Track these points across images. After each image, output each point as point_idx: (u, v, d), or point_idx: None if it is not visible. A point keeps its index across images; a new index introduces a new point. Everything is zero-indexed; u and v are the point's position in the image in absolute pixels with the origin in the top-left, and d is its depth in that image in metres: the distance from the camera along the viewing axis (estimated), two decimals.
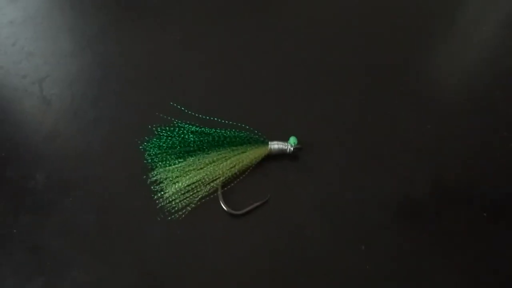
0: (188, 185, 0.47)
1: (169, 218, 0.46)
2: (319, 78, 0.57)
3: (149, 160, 0.48)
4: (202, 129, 0.50)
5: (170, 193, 0.46)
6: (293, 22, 0.63)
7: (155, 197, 0.47)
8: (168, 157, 0.48)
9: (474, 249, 0.46)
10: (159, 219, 0.46)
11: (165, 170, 0.47)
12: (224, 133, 0.49)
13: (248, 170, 0.49)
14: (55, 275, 0.44)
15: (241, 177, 0.48)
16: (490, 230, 0.47)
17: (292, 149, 0.49)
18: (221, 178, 0.47)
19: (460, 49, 0.62)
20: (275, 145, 0.49)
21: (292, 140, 0.49)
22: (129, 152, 0.50)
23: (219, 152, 0.48)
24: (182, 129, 0.50)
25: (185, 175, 0.47)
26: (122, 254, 0.45)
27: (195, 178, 0.47)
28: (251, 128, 0.50)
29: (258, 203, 0.47)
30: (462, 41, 0.63)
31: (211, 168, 0.47)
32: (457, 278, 0.44)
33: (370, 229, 0.47)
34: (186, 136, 0.49)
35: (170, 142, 0.48)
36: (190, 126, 0.50)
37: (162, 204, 0.46)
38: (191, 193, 0.47)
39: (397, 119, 0.54)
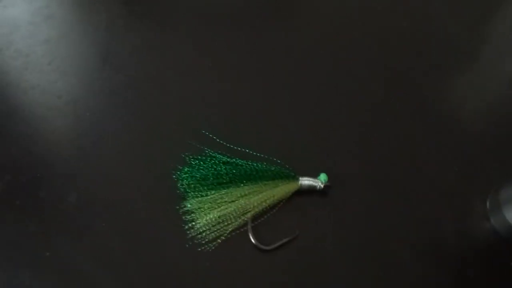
0: (219, 217, 0.47)
1: (199, 249, 0.47)
2: (349, 113, 0.58)
3: (182, 190, 0.49)
4: (234, 160, 0.51)
5: (201, 224, 0.47)
6: (325, 54, 0.64)
7: (186, 227, 0.47)
8: (201, 187, 0.49)
9: None
10: (187, 245, 0.46)
11: (197, 201, 0.48)
12: (256, 166, 0.50)
13: (279, 205, 0.49)
14: None
15: (271, 212, 0.49)
16: None
17: (322, 186, 0.49)
18: (252, 212, 0.48)
19: (487, 84, 0.62)
20: (305, 181, 0.50)
21: (323, 177, 0.50)
22: (161, 179, 0.51)
23: (250, 186, 0.49)
24: (214, 159, 0.51)
25: (216, 206, 0.48)
26: (150, 282, 0.46)
27: (227, 210, 0.47)
28: (282, 163, 0.51)
29: (287, 239, 0.47)
30: (489, 75, 0.63)
31: (242, 201, 0.48)
32: None
33: (393, 269, 0.48)
34: (219, 167, 0.49)
35: (203, 173, 0.49)
36: (222, 157, 0.51)
37: (193, 234, 0.47)
38: (221, 225, 0.47)
39: (425, 157, 0.55)
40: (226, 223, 0.47)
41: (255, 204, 0.48)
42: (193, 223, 0.47)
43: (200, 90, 0.59)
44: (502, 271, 0.48)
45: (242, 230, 0.48)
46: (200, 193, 0.48)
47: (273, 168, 0.50)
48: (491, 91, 0.62)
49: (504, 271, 0.48)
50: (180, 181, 0.49)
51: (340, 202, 0.51)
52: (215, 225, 0.47)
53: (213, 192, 0.48)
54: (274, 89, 0.60)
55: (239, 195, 0.48)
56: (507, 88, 0.64)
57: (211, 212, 0.47)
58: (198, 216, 0.48)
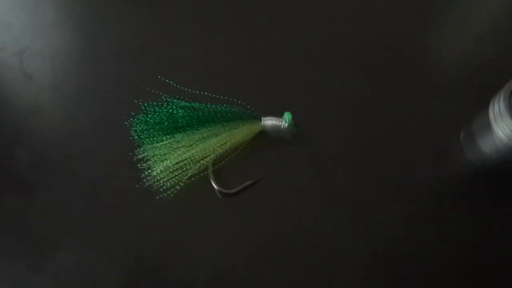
0: (177, 163, 0.44)
1: (157, 197, 0.44)
2: (317, 53, 0.54)
3: (136, 137, 0.46)
4: (192, 104, 0.47)
5: (158, 171, 0.44)
6: (303, 13, 0.59)
7: (143, 175, 0.45)
8: (156, 133, 0.46)
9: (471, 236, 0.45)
10: (144, 194, 0.44)
11: (152, 147, 0.45)
12: (215, 108, 0.47)
13: (240, 147, 0.46)
14: (41, 256, 0.43)
15: (232, 155, 0.46)
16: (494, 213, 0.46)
17: (286, 125, 0.46)
18: (212, 156, 0.45)
19: (462, 21, 0.59)
20: (268, 121, 0.46)
21: (287, 116, 0.46)
22: (114, 128, 0.48)
23: (209, 129, 0.46)
24: (170, 104, 0.47)
25: (173, 152, 0.45)
26: (109, 234, 0.44)
27: (185, 155, 0.44)
28: (244, 103, 0.48)
29: (250, 182, 0.45)
30: (465, 13, 0.60)
31: (201, 145, 0.45)
32: (454, 268, 0.43)
33: (367, 209, 0.45)
34: (175, 112, 0.46)
35: (158, 118, 0.46)
36: (179, 101, 0.48)
37: (150, 182, 0.44)
38: (180, 171, 0.44)
39: (398, 95, 0.52)
40: (185, 169, 0.44)
41: (215, 147, 0.45)
42: (150, 171, 0.44)
43: (157, 36, 0.55)
44: (476, 201, 0.46)
45: (202, 175, 0.45)
46: (155, 139, 0.45)
47: (233, 109, 0.47)
48: (465, 26, 0.59)
49: (478, 200, 0.46)
50: (134, 128, 0.46)
51: (307, 143, 0.48)
52: (173, 171, 0.44)
53: (169, 137, 0.45)
54: (236, 30, 0.56)
55: (197, 139, 0.45)
56: (482, 23, 0.60)
57: (168, 158, 0.44)
58: (154, 163, 0.45)
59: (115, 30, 0.55)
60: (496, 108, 0.43)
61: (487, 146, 0.45)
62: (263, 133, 0.48)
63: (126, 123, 0.47)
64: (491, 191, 0.47)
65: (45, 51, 0.54)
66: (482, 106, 0.45)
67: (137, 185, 0.44)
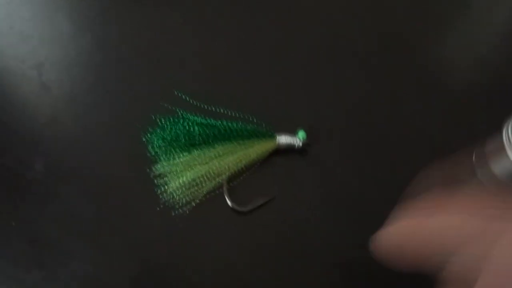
0: (193, 180, 0.45)
1: (173, 214, 0.45)
2: (329, 69, 0.55)
3: (153, 153, 0.47)
4: (208, 120, 0.48)
5: (174, 187, 0.45)
6: (303, 13, 0.60)
7: (158, 191, 0.45)
8: (173, 149, 0.46)
9: None
10: (160, 210, 0.45)
11: (168, 164, 0.46)
12: (231, 125, 0.47)
13: (255, 165, 0.47)
14: (55, 265, 0.43)
15: (247, 172, 0.47)
16: None
17: (301, 144, 0.47)
18: (227, 173, 0.46)
19: (476, 38, 0.59)
20: (283, 139, 0.47)
21: (301, 134, 0.47)
22: (131, 141, 0.48)
23: (225, 146, 0.46)
24: (187, 120, 0.48)
25: (190, 169, 0.46)
26: (123, 245, 0.44)
27: (200, 172, 0.45)
28: (258, 121, 0.49)
29: (264, 200, 0.46)
30: (479, 29, 0.60)
31: (216, 162, 0.46)
32: None
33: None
34: (192, 129, 0.47)
35: (175, 134, 0.46)
36: (195, 117, 0.48)
37: (166, 198, 0.45)
38: (195, 188, 0.45)
39: (407, 112, 0.52)
40: (200, 186, 0.45)
41: (230, 165, 0.45)
42: (166, 187, 0.45)
43: (173, 50, 0.56)
44: None
45: (217, 192, 0.46)
46: (172, 155, 0.46)
47: (249, 127, 0.47)
48: (479, 44, 0.59)
49: None
50: (151, 144, 0.47)
51: (320, 160, 0.49)
52: (188, 188, 0.45)
53: (185, 154, 0.46)
54: (250, 47, 0.57)
55: (213, 156, 0.46)
56: (496, 41, 0.60)
57: (184, 175, 0.45)
58: (170, 180, 0.45)
59: (132, 43, 0.56)
60: (510, 131, 0.43)
61: (499, 169, 0.45)
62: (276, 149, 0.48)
63: (143, 138, 0.48)
64: None
65: (63, 62, 0.54)
66: (497, 126, 0.45)
67: (152, 200, 0.45)
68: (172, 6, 0.59)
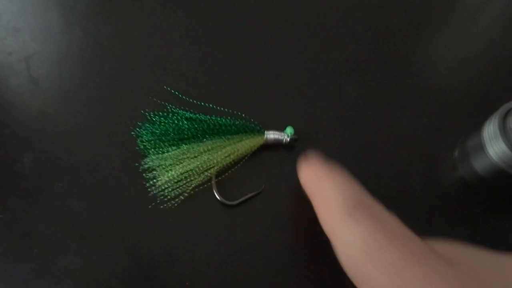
0: (182, 174, 0.46)
1: (161, 206, 0.45)
2: (317, 68, 0.56)
3: (142, 147, 0.47)
4: (197, 115, 0.49)
5: (163, 181, 0.45)
6: (293, 10, 0.61)
7: (147, 184, 0.46)
8: (162, 144, 0.47)
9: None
10: (150, 206, 0.45)
11: (158, 158, 0.46)
12: (220, 120, 0.48)
13: (244, 160, 0.48)
14: (45, 260, 0.44)
15: (236, 167, 0.47)
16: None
17: (288, 139, 0.48)
18: (216, 167, 0.46)
19: (458, 41, 0.61)
20: (271, 135, 0.48)
21: (289, 130, 0.48)
22: (121, 136, 0.49)
23: (214, 141, 0.47)
24: (176, 115, 0.49)
25: (178, 163, 0.46)
26: (113, 240, 0.45)
27: (189, 166, 0.46)
28: (247, 117, 0.49)
29: (252, 194, 0.46)
30: (461, 33, 0.62)
31: (205, 156, 0.46)
32: None
33: None
34: (180, 123, 0.47)
35: (164, 129, 0.47)
36: (185, 113, 0.49)
37: (155, 192, 0.46)
38: (184, 182, 0.46)
39: (393, 111, 0.54)
40: (189, 180, 0.46)
41: (219, 159, 0.46)
42: (155, 181, 0.46)
43: (164, 46, 0.56)
44: (467, 218, 0.48)
45: (206, 186, 0.46)
46: (161, 149, 0.47)
47: (237, 122, 0.48)
48: (461, 46, 0.60)
49: (470, 218, 0.48)
50: (140, 138, 0.47)
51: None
52: (177, 181, 0.46)
53: (174, 148, 0.47)
54: (240, 43, 0.57)
55: (201, 151, 0.47)
56: (478, 43, 0.62)
57: (173, 169, 0.46)
58: (159, 173, 0.46)
59: (123, 38, 0.56)
60: (491, 129, 0.45)
61: (479, 164, 0.47)
62: (264, 144, 0.49)
63: (132, 133, 0.48)
64: (482, 205, 0.49)
65: (53, 56, 0.54)
66: (478, 125, 0.47)
67: (142, 194, 0.46)
68: (163, 2, 0.60)
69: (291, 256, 0.45)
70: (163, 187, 0.45)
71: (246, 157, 0.48)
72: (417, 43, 0.59)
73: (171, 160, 0.46)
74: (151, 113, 0.49)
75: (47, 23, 0.56)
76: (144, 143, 0.47)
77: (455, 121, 0.53)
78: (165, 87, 0.51)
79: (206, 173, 0.46)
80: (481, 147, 0.45)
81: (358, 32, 0.59)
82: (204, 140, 0.47)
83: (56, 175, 0.47)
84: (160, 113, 0.49)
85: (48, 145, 0.49)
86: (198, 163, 0.46)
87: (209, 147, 0.47)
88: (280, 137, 0.48)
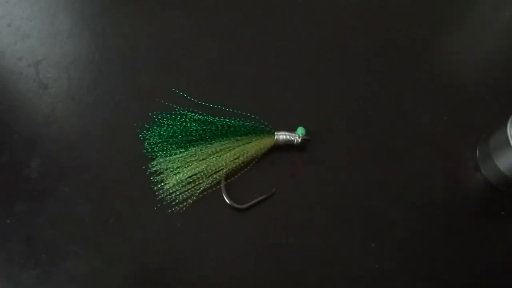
0: (190, 177, 0.44)
1: (169, 210, 0.44)
2: (329, 64, 0.54)
3: (149, 149, 0.46)
4: (205, 117, 0.47)
5: (171, 184, 0.44)
6: (303, 8, 0.59)
7: (155, 188, 0.45)
8: (169, 146, 0.46)
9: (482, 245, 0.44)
10: (157, 207, 0.44)
11: (165, 160, 0.45)
12: (228, 122, 0.47)
13: (253, 162, 0.46)
14: (50, 265, 0.43)
15: (245, 169, 0.46)
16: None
17: (300, 140, 0.46)
18: (225, 170, 0.45)
19: (480, 36, 0.58)
20: (282, 136, 0.46)
21: (300, 130, 0.46)
22: (128, 139, 0.48)
23: (222, 142, 0.46)
24: (184, 117, 0.47)
25: (186, 166, 0.45)
26: (119, 244, 0.44)
27: (197, 169, 0.44)
28: (257, 118, 0.48)
29: (263, 197, 0.45)
30: (482, 27, 0.59)
31: (214, 159, 0.45)
32: (469, 276, 0.42)
33: (380, 225, 0.45)
34: (188, 125, 0.46)
35: (171, 131, 0.46)
36: (193, 114, 0.48)
37: (162, 195, 0.44)
38: (192, 185, 0.44)
39: (410, 109, 0.51)
40: (197, 183, 0.44)
41: (228, 161, 0.45)
42: (163, 184, 0.45)
43: (171, 48, 0.55)
44: (492, 220, 0.46)
45: (215, 189, 0.45)
46: (169, 152, 0.45)
47: (246, 123, 0.47)
48: (482, 41, 0.58)
49: (494, 219, 0.46)
50: (147, 141, 0.46)
51: (320, 157, 0.48)
52: (185, 185, 0.44)
53: (182, 150, 0.45)
54: (249, 44, 0.56)
55: (210, 153, 0.45)
56: (500, 38, 0.59)
57: (181, 172, 0.44)
58: (167, 176, 0.45)
59: (130, 42, 0.55)
60: None
61: (503, 164, 0.44)
62: (275, 146, 0.47)
63: (140, 135, 0.47)
64: (507, 207, 0.46)
65: (61, 61, 0.54)
66: (500, 122, 0.44)
67: (149, 198, 0.45)
68: (170, 5, 0.59)
69: (303, 262, 0.43)
70: (170, 191, 0.44)
71: (256, 159, 0.46)
72: (437, 38, 0.57)
73: (179, 163, 0.45)
74: (159, 115, 0.48)
75: (56, 28, 0.56)
76: (152, 146, 0.46)
77: (476, 118, 0.51)
78: (172, 89, 0.50)
79: (215, 176, 0.45)
80: (505, 146, 0.43)
81: (372, 27, 0.57)
82: (213, 142, 0.46)
83: (63, 179, 0.47)
84: (168, 115, 0.48)
85: (55, 149, 0.48)
86: (207, 165, 0.45)
87: (218, 149, 0.45)
88: (291, 138, 0.46)
